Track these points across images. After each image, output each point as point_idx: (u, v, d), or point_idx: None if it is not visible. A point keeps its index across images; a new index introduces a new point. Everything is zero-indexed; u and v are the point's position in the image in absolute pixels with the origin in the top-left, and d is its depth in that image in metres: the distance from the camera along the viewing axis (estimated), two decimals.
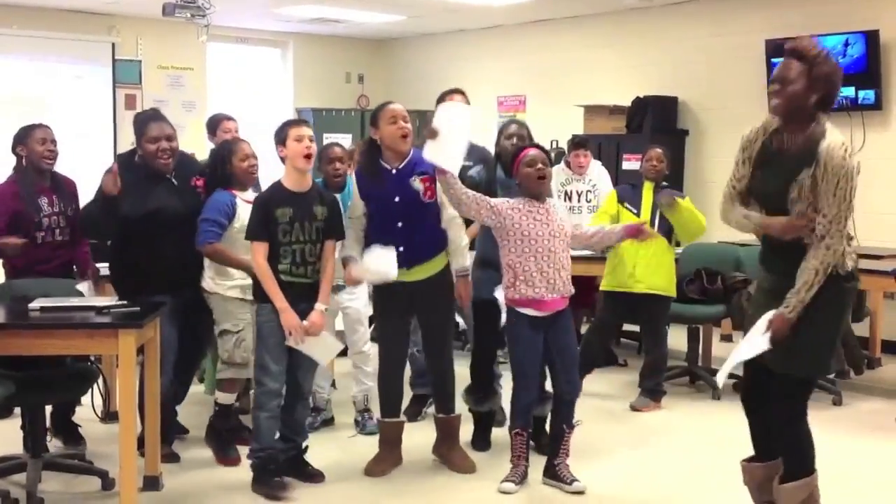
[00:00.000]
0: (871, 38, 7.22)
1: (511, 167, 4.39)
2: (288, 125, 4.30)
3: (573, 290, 4.36)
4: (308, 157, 4.21)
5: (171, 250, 4.47)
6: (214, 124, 5.87)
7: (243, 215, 4.42)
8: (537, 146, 4.43)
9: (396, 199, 4.34)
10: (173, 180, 4.58)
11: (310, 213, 4.24)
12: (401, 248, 4.33)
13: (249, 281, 4.39)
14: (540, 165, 4.28)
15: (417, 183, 4.34)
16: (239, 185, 4.58)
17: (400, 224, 4.35)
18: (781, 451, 3.53)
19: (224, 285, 4.58)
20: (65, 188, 4.92)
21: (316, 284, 4.26)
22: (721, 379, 3.63)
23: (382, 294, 4.51)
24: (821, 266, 3.29)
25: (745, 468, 3.73)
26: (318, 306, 4.23)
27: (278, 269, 4.18)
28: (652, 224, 5.67)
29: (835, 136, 3.33)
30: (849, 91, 7.33)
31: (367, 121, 11.52)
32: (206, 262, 4.58)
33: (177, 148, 4.60)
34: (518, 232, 4.23)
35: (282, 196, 4.23)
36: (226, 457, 4.65)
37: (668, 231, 5.70)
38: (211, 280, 4.60)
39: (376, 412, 4.78)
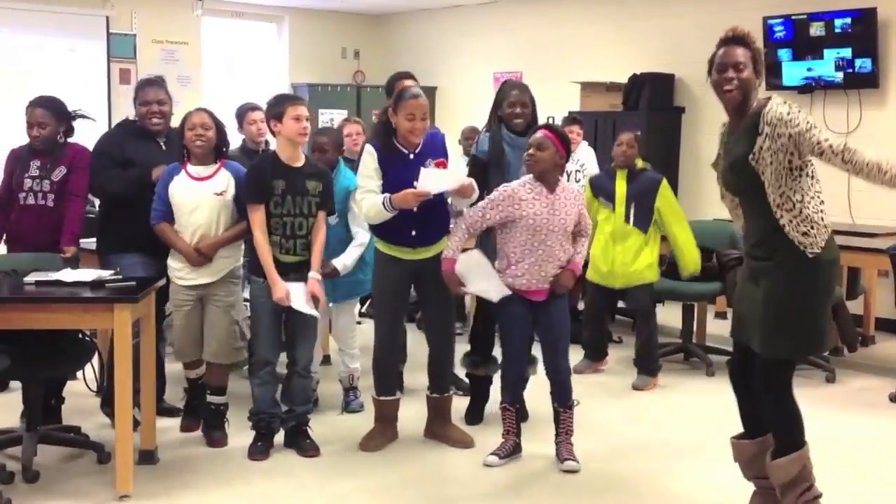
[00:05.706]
0: (868, 15, 7.18)
1: None
2: (285, 101, 4.36)
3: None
4: (304, 135, 4.31)
5: (147, 209, 4.44)
6: (241, 115, 5.66)
7: (175, 191, 4.36)
8: (545, 126, 4.35)
9: (415, 183, 4.28)
10: (163, 146, 4.67)
11: (302, 187, 4.29)
12: (413, 232, 4.36)
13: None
14: (531, 151, 4.21)
15: (432, 167, 4.33)
16: (193, 158, 4.39)
17: (415, 209, 4.31)
18: (771, 429, 3.55)
19: (170, 264, 4.47)
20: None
21: (303, 263, 4.31)
22: None
23: (385, 267, 4.50)
24: (868, 158, 3.35)
25: (735, 445, 3.75)
26: (313, 275, 4.31)
27: (269, 242, 4.26)
28: (627, 217, 5.67)
29: (777, 101, 3.38)
30: (845, 52, 7.31)
31: (363, 96, 11.45)
32: None
33: (168, 113, 4.68)
34: (524, 220, 4.19)
35: (276, 167, 4.30)
36: (210, 437, 4.53)
37: (645, 221, 5.66)
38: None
39: (363, 391, 4.76)
